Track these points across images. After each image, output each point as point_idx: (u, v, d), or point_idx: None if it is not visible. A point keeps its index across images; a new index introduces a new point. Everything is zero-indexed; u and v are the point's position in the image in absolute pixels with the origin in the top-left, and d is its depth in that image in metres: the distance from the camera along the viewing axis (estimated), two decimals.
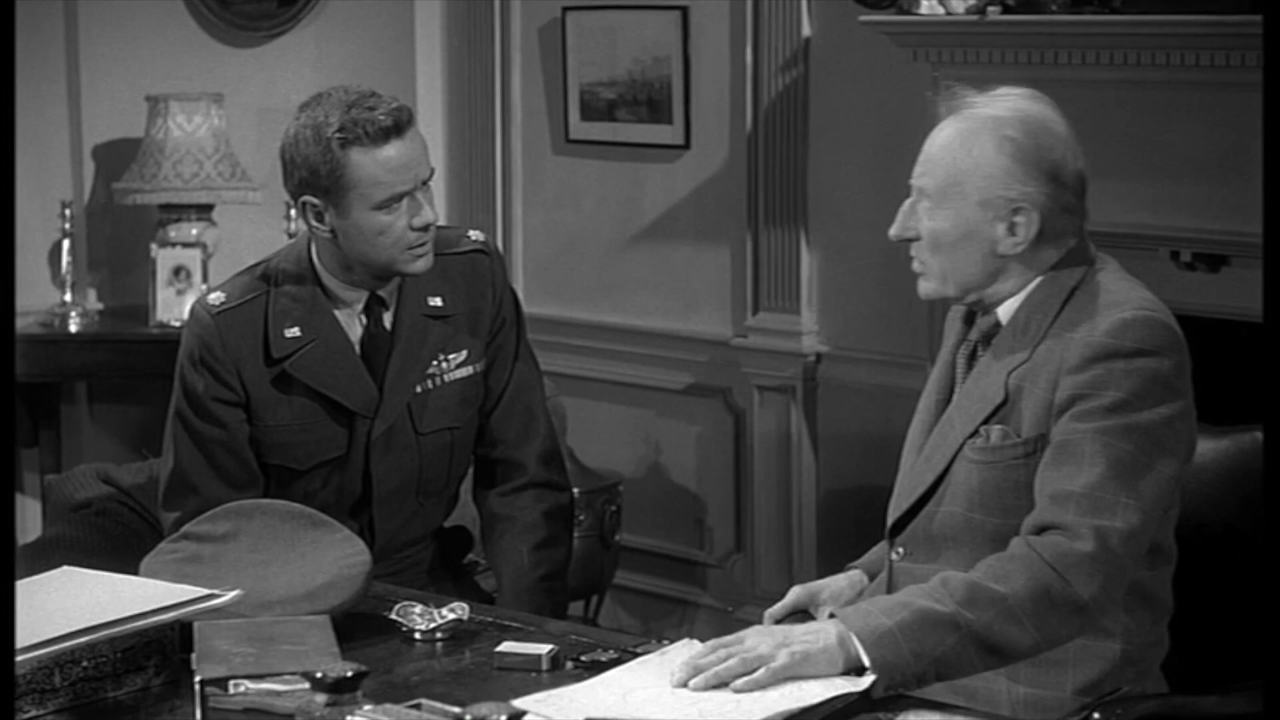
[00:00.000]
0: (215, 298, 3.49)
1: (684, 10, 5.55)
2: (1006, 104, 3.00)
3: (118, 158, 6.13)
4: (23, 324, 5.77)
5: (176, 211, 5.98)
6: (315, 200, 3.39)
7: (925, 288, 3.05)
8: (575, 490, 3.87)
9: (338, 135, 3.33)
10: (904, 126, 5.03)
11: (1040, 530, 2.85)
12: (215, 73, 6.16)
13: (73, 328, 5.99)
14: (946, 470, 3.00)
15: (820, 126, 5.31)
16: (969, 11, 4.79)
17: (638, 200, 5.75)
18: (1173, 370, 2.93)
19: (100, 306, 6.24)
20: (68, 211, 6.02)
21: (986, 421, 2.97)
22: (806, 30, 5.30)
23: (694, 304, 5.66)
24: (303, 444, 3.50)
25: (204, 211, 6.00)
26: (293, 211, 3.61)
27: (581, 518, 5.13)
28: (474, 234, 3.64)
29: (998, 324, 3.03)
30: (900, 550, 3.06)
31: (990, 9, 4.74)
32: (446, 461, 3.59)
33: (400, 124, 3.36)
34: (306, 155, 3.36)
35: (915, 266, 3.05)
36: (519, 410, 3.65)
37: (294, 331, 3.46)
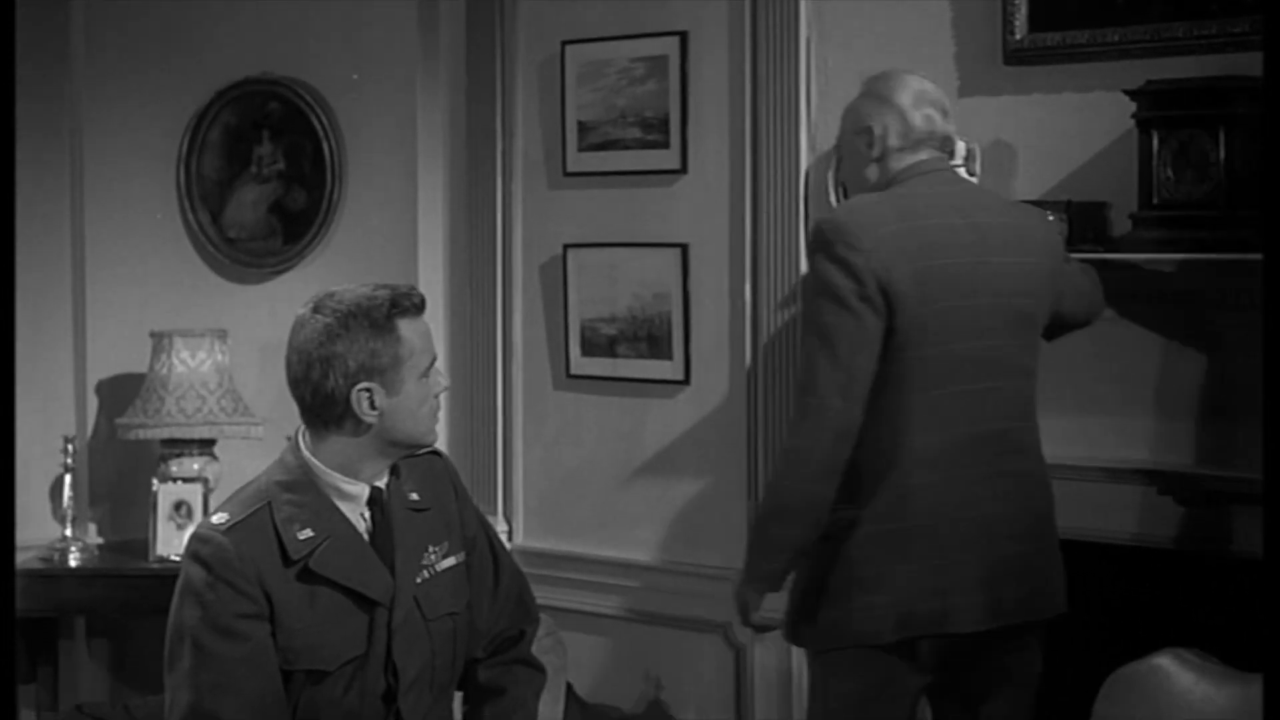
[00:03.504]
0: (219, 518, 3.52)
1: (684, 247, 5.62)
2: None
3: (121, 393, 6.17)
4: (22, 559, 5.75)
5: (179, 446, 6.00)
6: (370, 384, 3.48)
7: None
8: None
9: (392, 309, 3.49)
10: None
11: None
12: (219, 309, 6.22)
13: (72, 562, 5.97)
14: None
15: None
16: None
17: (638, 435, 5.78)
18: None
19: (100, 541, 6.24)
20: (70, 446, 6.03)
21: None
22: (805, 267, 5.35)
23: (694, 538, 5.65)
24: (329, 644, 3.50)
25: (206, 446, 6.02)
26: (303, 440, 3.63)
27: None
28: None
29: None
30: None
31: None
32: (452, 650, 3.65)
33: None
34: (363, 337, 3.48)
35: None
36: (514, 596, 3.82)
37: (306, 533, 3.50)
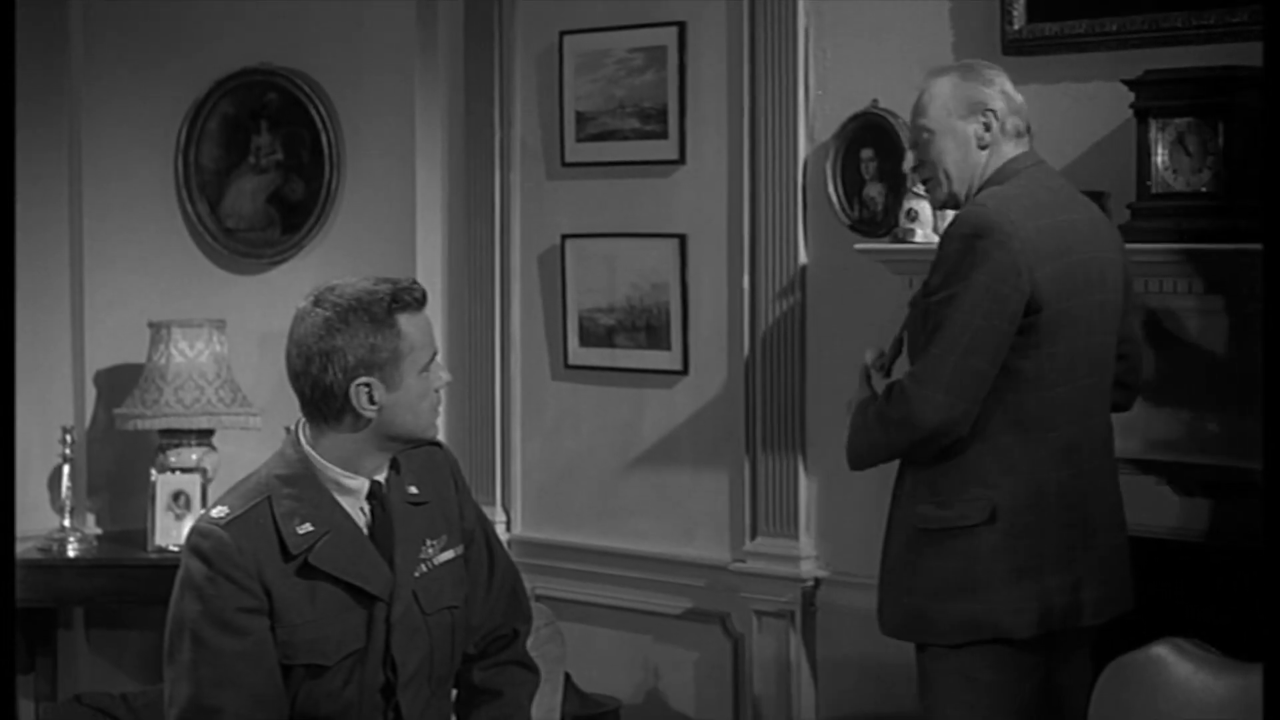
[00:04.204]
0: (218, 512, 3.49)
1: (682, 237, 5.62)
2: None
3: (119, 383, 6.17)
4: (21, 549, 5.75)
5: (177, 437, 6.00)
6: (369, 379, 3.46)
7: None
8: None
9: (392, 304, 3.45)
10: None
11: None
12: (217, 299, 6.22)
13: (71, 553, 5.97)
14: None
15: (817, 352, 5.35)
16: None
17: (636, 425, 5.78)
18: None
19: (99, 531, 6.24)
20: (68, 437, 6.03)
21: None
22: (803, 257, 5.36)
23: (692, 529, 5.66)
24: (329, 638, 3.49)
25: (204, 436, 6.02)
26: (303, 433, 3.61)
27: None
28: None
29: None
30: None
31: None
32: (451, 644, 3.63)
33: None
34: (362, 332, 3.44)
35: None
36: (507, 591, 3.78)
37: (306, 527, 3.47)
